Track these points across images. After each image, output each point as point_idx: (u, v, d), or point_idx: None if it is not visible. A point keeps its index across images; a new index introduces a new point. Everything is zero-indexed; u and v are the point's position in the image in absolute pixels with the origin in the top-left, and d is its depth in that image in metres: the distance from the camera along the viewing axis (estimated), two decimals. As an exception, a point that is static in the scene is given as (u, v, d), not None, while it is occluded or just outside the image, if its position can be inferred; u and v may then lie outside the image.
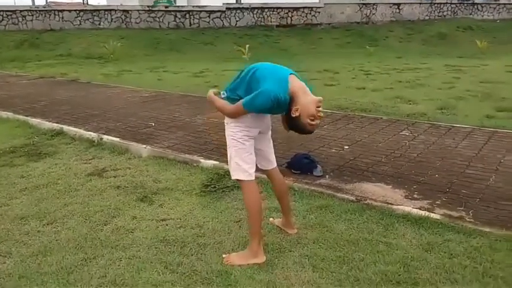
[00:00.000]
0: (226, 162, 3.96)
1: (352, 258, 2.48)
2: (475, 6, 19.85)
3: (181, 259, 2.51)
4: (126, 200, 3.38)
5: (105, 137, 4.96)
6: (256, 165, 2.53)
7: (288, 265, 2.43)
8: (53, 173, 4.03)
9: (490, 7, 19.76)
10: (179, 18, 17.98)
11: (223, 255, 2.52)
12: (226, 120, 2.49)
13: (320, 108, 2.22)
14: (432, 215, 2.92)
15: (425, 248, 2.57)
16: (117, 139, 4.90)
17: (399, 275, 2.30)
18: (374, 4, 19.13)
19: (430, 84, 8.47)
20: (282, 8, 18.40)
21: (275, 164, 2.68)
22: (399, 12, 19.45)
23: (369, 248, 2.57)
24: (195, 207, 3.21)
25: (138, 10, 17.90)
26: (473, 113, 6.00)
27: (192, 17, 17.99)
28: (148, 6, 18.02)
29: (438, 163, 3.97)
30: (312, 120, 2.22)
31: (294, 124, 2.28)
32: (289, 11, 18.48)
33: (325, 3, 18.66)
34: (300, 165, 3.76)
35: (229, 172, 2.55)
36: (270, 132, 2.64)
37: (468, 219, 2.86)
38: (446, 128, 5.18)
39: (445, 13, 19.84)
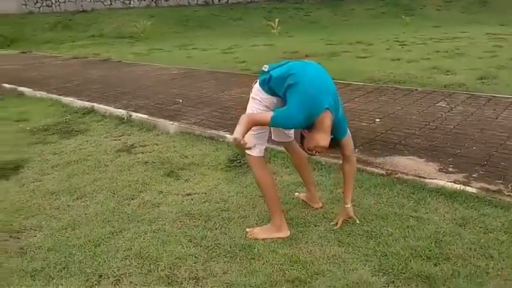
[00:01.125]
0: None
1: (380, 233, 2.38)
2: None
3: (205, 233, 2.50)
4: (153, 175, 3.40)
5: (134, 114, 5.01)
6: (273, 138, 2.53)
7: (312, 239, 2.37)
8: (84, 149, 4.11)
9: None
10: (208, -6, 17.80)
11: (247, 229, 2.49)
12: (253, 95, 2.41)
13: (319, 151, 2.24)
14: (468, 188, 2.76)
15: (459, 223, 2.43)
16: (146, 116, 4.93)
17: (430, 250, 2.19)
18: (410, -29, 18.16)
19: (470, 54, 8.01)
20: (312, -21, 17.84)
21: (292, 138, 2.63)
22: (437, -21, 18.39)
23: (399, 223, 2.47)
24: (220, 182, 3.19)
25: (167, -12, 17.85)
26: (517, 82, 5.63)
27: (220, -8, 17.76)
28: (177, -16, 17.93)
29: (476, 135, 3.75)
30: (309, 150, 2.26)
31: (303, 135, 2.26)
32: (320, -18, 17.90)
33: (358, -28, 17.92)
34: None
35: None
36: None
37: (507, 193, 2.69)
38: (487, 99, 4.89)
39: (487, -23, 18.58)
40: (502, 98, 4.87)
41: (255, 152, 2.41)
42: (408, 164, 3.22)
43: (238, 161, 3.47)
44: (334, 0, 17.80)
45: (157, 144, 4.14)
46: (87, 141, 4.35)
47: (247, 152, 2.43)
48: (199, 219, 2.67)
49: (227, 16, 16.56)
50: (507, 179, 2.87)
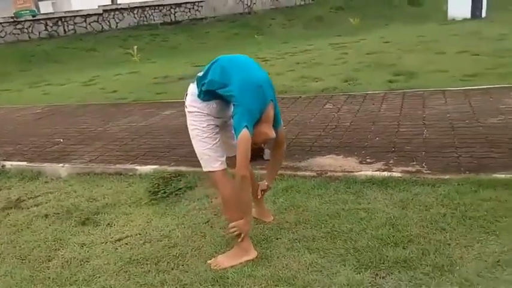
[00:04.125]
0: (167, 164, 3.68)
1: (341, 230, 2.40)
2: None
3: (162, 276, 2.19)
4: (64, 228, 2.88)
5: (8, 164, 4.22)
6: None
7: (282, 253, 2.26)
8: (-47, 217, 3.28)
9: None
10: (51, 27, 16.27)
11: (208, 262, 2.26)
12: (188, 107, 2.24)
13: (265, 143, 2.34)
14: (393, 174, 2.99)
15: (401, 206, 2.60)
16: (24, 163, 4.19)
17: (393, 235, 2.28)
18: (252, -6, 19.53)
19: (325, 62, 8.84)
20: (163, 5, 17.74)
21: None
22: (277, 0, 20.16)
23: (351, 218, 2.52)
24: (151, 218, 2.86)
25: (1, 23, 15.76)
26: (375, 80, 6.37)
27: (65, 23, 16.41)
28: (11, 18, 15.95)
29: (372, 127, 4.11)
30: (255, 145, 2.22)
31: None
32: (171, 8, 17.89)
33: (206, -3, 18.52)
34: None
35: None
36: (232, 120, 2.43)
37: (425, 171, 2.99)
38: (362, 96, 5.43)
39: (317, -4, 21.08)
40: (374, 94, 5.47)
41: (217, 166, 2.22)
42: (331, 163, 3.35)
43: (162, 192, 3.16)
44: (188, 25, 18.03)
45: (51, 193, 3.54)
46: (-47, 206, 3.49)
47: (208, 169, 2.23)
48: (147, 264, 2.33)
49: (77, 48, 15.35)
50: (419, 160, 3.20)
